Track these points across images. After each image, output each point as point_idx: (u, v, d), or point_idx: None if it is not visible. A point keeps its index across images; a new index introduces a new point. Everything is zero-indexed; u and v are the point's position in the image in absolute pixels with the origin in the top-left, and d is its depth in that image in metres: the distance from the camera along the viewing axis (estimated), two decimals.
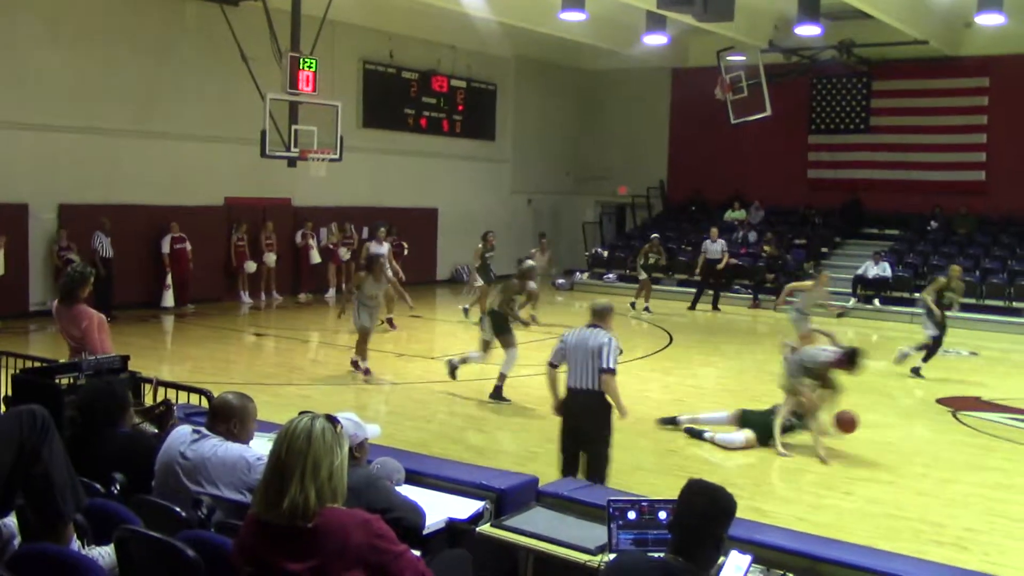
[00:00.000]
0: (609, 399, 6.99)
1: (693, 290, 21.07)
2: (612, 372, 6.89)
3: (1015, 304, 19.27)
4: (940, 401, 11.91)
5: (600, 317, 7.20)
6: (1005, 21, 17.06)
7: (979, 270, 20.40)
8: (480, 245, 17.70)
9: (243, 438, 4.38)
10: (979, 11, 16.58)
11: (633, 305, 19.65)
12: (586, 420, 6.98)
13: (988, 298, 19.54)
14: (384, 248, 16.74)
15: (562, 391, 7.16)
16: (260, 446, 4.50)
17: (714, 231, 21.49)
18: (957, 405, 11.70)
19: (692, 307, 20.57)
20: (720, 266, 20.90)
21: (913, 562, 4.49)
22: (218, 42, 16.83)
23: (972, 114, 22.66)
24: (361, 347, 12.41)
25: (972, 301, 19.53)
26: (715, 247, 21.02)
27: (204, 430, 4.30)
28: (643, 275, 19.93)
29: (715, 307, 20.78)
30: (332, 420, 3.18)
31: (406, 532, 3.99)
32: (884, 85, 23.76)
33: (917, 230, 22.96)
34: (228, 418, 4.33)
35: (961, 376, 13.78)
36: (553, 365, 7.26)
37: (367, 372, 12.36)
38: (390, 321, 16.00)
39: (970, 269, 20.35)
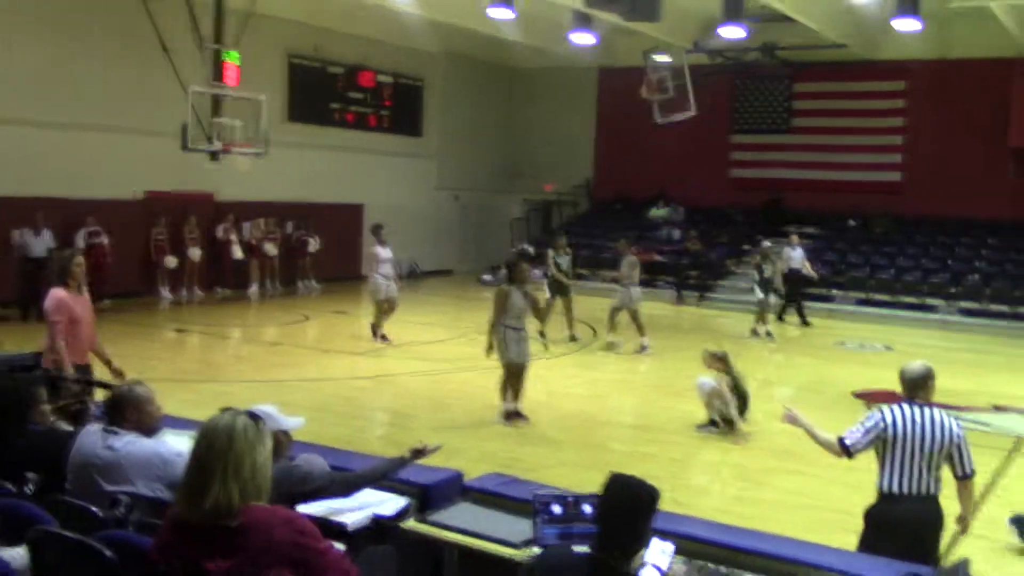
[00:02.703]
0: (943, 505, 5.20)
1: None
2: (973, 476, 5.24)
3: (928, 301, 19.92)
4: (857, 395, 12.25)
5: (923, 387, 5.26)
6: (921, 27, 17.54)
7: (894, 268, 21.03)
8: (550, 251, 15.77)
9: (149, 423, 4.35)
10: (896, 16, 17.04)
11: (755, 332, 16.85)
12: (925, 537, 5.15)
13: (902, 295, 20.17)
14: (389, 252, 14.61)
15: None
16: (181, 444, 4.44)
17: (794, 237, 19.20)
18: (872, 398, 12.01)
19: (780, 318, 18.46)
20: (805, 273, 18.59)
21: (826, 550, 4.62)
22: (136, 31, 16.38)
23: (889, 116, 23.37)
24: (515, 389, 10.04)
25: (887, 298, 20.21)
26: (796, 254, 18.54)
27: (115, 428, 4.23)
28: (760, 295, 16.95)
29: (804, 321, 18.52)
30: (254, 416, 3.13)
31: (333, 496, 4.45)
32: (805, 87, 24.34)
33: (836, 228, 23.56)
34: (122, 409, 4.31)
35: (876, 370, 14.16)
36: (851, 451, 5.29)
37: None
38: (382, 336, 14.69)
39: (886, 267, 21.00)
